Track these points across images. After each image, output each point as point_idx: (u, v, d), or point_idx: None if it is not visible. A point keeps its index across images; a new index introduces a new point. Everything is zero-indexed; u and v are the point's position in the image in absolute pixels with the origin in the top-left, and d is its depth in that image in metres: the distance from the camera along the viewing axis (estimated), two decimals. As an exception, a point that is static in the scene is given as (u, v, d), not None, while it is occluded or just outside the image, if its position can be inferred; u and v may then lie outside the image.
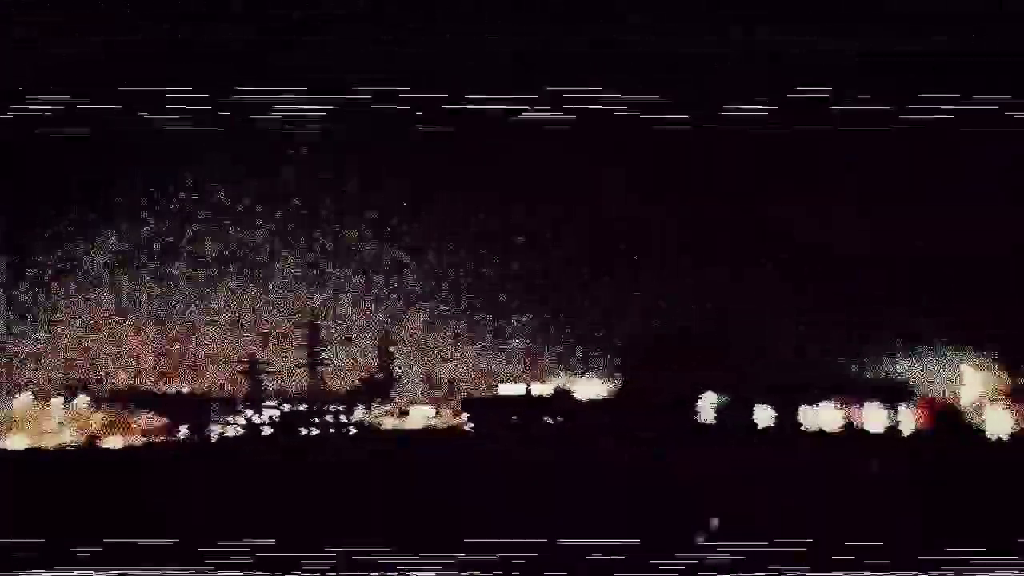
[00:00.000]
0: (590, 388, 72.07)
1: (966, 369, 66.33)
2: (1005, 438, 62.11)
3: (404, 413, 72.82)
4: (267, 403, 71.96)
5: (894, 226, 67.62)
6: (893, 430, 65.45)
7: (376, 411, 72.75)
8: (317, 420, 71.54)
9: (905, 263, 67.14)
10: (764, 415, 67.38)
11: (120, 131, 68.30)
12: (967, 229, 65.48)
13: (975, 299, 64.88)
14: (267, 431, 71.30)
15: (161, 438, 69.49)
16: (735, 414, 67.65)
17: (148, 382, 73.05)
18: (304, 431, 71.08)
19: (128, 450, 66.50)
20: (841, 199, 68.50)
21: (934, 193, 67.03)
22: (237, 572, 24.00)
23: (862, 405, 66.85)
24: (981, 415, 64.48)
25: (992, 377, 65.61)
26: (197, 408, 71.65)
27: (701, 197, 71.40)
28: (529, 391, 72.12)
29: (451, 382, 73.63)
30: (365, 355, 75.04)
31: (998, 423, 63.12)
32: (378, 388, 73.87)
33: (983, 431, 63.22)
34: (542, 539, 27.53)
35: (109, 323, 73.55)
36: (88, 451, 66.14)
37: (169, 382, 73.01)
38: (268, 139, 71.45)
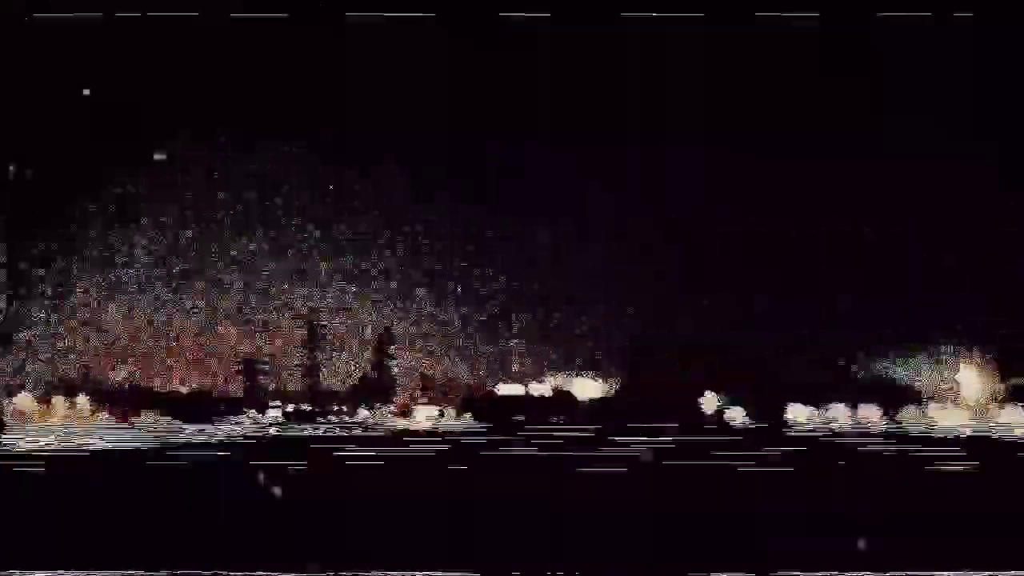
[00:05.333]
0: (590, 388, 72.07)
1: (966, 369, 66.54)
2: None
3: (405, 413, 72.81)
4: (269, 403, 72.03)
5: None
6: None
7: (377, 411, 72.77)
8: (317, 420, 71.57)
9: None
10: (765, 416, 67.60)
11: (119, 122, 68.28)
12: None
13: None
14: (268, 431, 71.29)
15: (160, 438, 69.40)
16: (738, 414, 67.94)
17: (148, 382, 73.08)
18: (304, 431, 71.05)
19: (128, 450, 66.37)
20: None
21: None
22: (237, 572, 24.08)
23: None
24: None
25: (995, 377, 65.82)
26: (197, 407, 71.63)
27: (701, 196, 71.51)
28: (528, 391, 72.17)
29: (451, 382, 73.65)
30: (366, 355, 75.08)
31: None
32: (379, 388, 73.89)
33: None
34: (541, 542, 27.75)
35: (109, 322, 73.56)
36: (87, 450, 65.99)
37: (170, 381, 73.05)
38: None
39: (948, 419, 65.18)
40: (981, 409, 65.00)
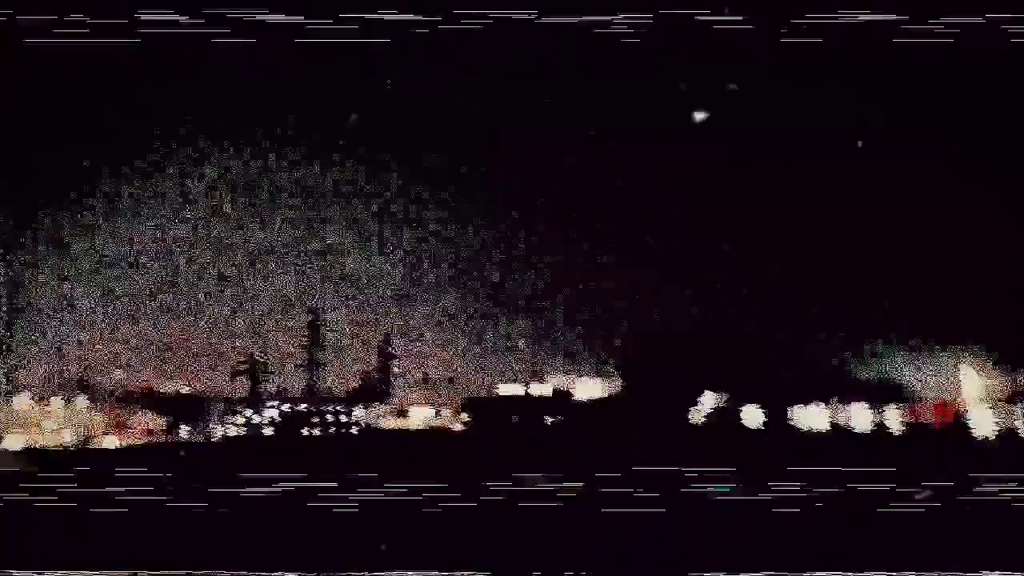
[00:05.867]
0: (589, 388, 71.97)
1: (966, 370, 66.29)
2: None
3: (403, 413, 72.73)
4: (268, 403, 71.89)
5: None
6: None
7: (376, 411, 72.66)
8: (317, 420, 71.47)
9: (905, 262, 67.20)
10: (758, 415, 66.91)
11: (116, 130, 68.41)
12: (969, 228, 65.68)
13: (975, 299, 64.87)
14: (267, 431, 71.21)
15: (160, 438, 69.33)
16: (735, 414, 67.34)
17: (148, 382, 73.00)
18: (304, 431, 70.97)
19: (127, 450, 66.37)
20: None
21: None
22: (236, 571, 23.94)
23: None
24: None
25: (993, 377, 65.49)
26: (197, 408, 71.54)
27: (701, 196, 71.56)
28: (528, 391, 72.07)
29: (451, 382, 73.61)
30: (365, 355, 75.06)
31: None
32: (378, 388, 73.83)
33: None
34: (542, 542, 27.62)
35: (109, 323, 73.56)
36: (87, 451, 66.03)
37: (169, 382, 72.94)
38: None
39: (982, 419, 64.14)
40: (981, 409, 64.78)
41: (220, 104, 70.04)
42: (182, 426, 70.61)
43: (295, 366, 73.42)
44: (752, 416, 66.80)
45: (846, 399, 66.82)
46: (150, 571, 24.24)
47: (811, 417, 66.46)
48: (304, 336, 73.79)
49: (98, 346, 73.19)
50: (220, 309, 74.69)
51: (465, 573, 23.21)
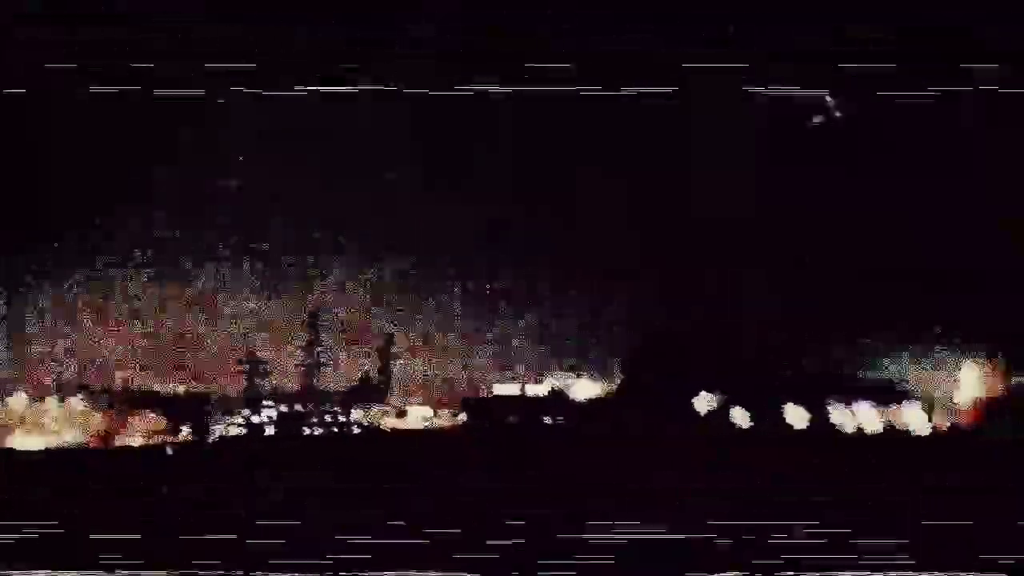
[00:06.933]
0: (587, 388, 71.92)
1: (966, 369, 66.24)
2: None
3: (402, 413, 72.68)
4: (266, 403, 71.75)
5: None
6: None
7: (375, 411, 72.58)
8: (316, 420, 71.40)
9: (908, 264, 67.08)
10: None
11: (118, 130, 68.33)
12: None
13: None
14: (267, 431, 71.10)
15: (160, 438, 69.18)
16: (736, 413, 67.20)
17: (148, 382, 72.82)
18: (304, 431, 70.86)
19: (126, 449, 66.29)
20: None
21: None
22: (235, 572, 23.94)
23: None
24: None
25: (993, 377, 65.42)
26: (196, 408, 71.38)
27: (700, 197, 71.48)
28: (524, 391, 72.01)
29: (449, 382, 73.49)
30: (364, 355, 74.94)
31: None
32: (377, 388, 73.73)
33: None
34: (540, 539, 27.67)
35: (108, 323, 73.40)
36: (86, 451, 65.97)
37: (169, 382, 72.76)
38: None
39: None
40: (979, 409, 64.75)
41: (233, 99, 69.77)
42: (181, 427, 70.51)
43: (295, 366, 73.37)
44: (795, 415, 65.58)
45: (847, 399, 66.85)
46: (148, 571, 24.24)
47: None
48: (304, 337, 73.76)
49: (95, 346, 73.07)
50: (220, 308, 74.59)
51: (464, 573, 23.29)
